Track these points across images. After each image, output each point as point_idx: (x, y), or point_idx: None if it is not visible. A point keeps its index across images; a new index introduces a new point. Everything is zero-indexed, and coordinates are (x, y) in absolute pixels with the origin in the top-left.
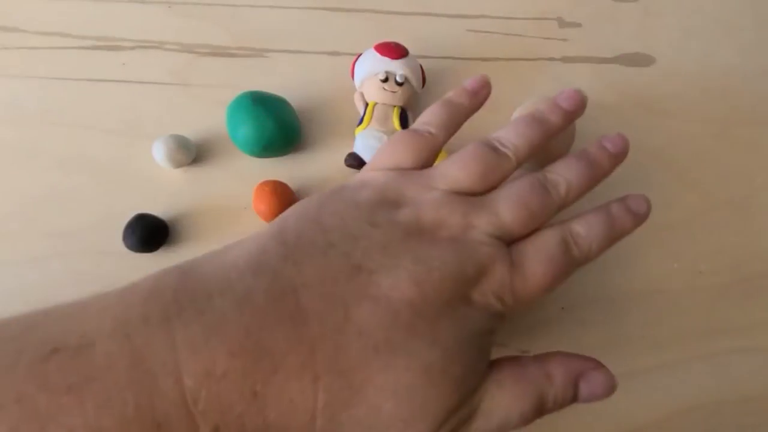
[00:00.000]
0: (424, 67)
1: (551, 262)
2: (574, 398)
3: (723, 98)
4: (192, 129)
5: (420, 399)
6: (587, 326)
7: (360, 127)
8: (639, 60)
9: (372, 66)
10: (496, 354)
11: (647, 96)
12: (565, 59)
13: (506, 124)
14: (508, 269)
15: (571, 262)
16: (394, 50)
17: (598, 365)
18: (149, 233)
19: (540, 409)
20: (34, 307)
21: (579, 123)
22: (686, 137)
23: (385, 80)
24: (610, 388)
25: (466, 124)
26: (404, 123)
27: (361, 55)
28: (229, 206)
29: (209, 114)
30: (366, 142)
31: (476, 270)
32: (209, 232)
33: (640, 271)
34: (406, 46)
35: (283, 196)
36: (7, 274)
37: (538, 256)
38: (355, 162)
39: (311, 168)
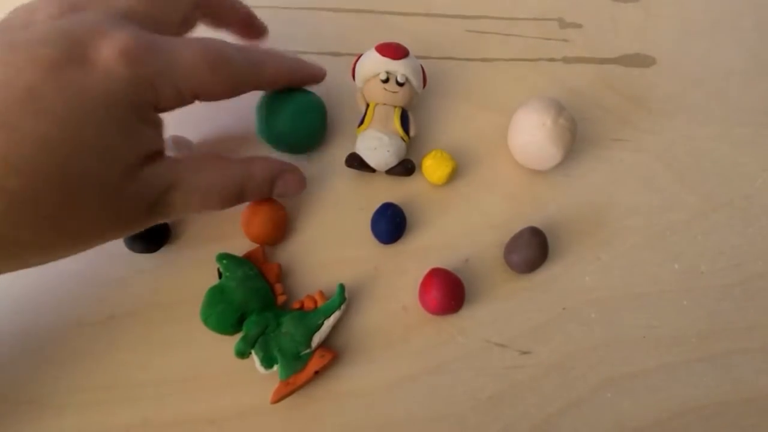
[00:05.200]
0: (425, 68)
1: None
2: (271, 192)
3: (723, 98)
4: (193, 130)
5: None
6: (588, 327)
7: (361, 127)
8: (639, 60)
9: (373, 66)
10: (495, 351)
11: (648, 96)
12: (566, 60)
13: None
14: (126, 35)
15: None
16: (395, 51)
17: (294, 168)
18: (150, 233)
19: (240, 195)
20: (34, 307)
21: (580, 124)
22: (686, 137)
23: (386, 81)
24: (301, 185)
25: (467, 126)
26: (405, 123)
27: (362, 55)
28: None
29: (210, 115)
30: (367, 142)
31: (88, 33)
32: (210, 232)
33: (640, 272)
34: (407, 46)
35: (267, 217)
36: (6, 274)
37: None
38: (356, 162)
39: (312, 169)
